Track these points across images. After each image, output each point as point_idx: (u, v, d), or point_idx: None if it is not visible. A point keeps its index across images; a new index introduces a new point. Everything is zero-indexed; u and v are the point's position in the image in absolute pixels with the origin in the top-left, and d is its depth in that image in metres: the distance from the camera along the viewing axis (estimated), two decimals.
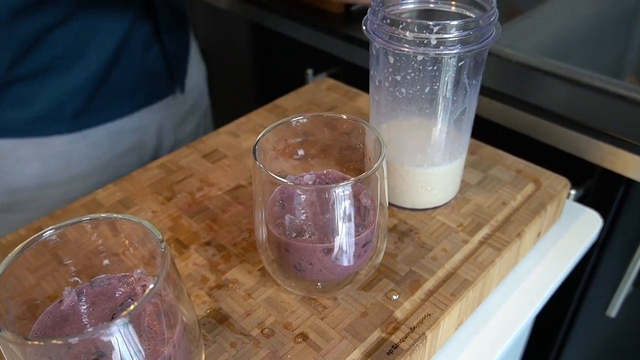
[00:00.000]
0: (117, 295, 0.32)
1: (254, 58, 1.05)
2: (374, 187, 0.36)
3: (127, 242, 0.33)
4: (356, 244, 0.37)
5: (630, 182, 0.59)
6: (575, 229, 0.52)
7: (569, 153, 0.62)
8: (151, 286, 0.27)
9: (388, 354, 0.36)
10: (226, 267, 0.43)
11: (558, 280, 0.48)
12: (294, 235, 0.36)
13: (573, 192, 0.61)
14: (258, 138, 0.37)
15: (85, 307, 0.31)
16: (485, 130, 0.65)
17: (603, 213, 0.55)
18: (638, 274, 0.61)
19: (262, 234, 0.39)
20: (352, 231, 0.36)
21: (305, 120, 0.41)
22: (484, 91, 0.67)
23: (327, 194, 0.35)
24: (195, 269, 0.43)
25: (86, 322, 0.31)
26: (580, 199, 0.64)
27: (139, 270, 0.33)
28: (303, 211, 0.37)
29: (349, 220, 0.36)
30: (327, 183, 0.40)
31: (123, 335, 0.26)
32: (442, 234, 0.45)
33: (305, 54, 0.91)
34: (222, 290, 0.41)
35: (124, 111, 0.66)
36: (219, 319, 0.39)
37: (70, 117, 0.61)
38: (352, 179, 0.35)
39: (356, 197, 0.37)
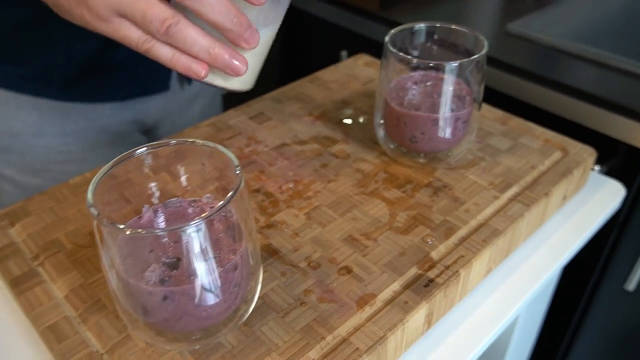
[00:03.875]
0: (189, 213, 0.36)
1: (283, 39, 1.09)
2: (473, 78, 0.47)
3: (204, 167, 0.37)
4: (458, 118, 0.48)
5: None
6: (600, 197, 0.55)
7: (595, 130, 0.64)
8: (226, 198, 0.31)
9: (425, 286, 0.40)
10: (274, 210, 0.47)
11: (583, 240, 0.51)
12: (412, 110, 0.48)
13: (597, 167, 0.64)
14: (390, 33, 0.49)
15: (161, 222, 0.35)
16: (515, 108, 0.68)
17: (626, 189, 0.58)
18: None
19: (379, 116, 0.51)
20: (455, 108, 0.47)
21: (423, 26, 0.51)
22: (515, 71, 0.70)
23: (439, 73, 0.47)
24: None
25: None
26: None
27: (207, 195, 0.37)
28: (418, 92, 0.49)
29: (453, 100, 0.47)
30: None
31: (198, 236, 0.30)
32: (474, 191, 0.49)
33: (340, 36, 0.95)
34: (271, 229, 0.45)
35: (115, 97, 0.66)
36: (270, 252, 0.43)
37: (58, 86, 0.61)
38: (459, 61, 0.45)
39: (457, 89, 0.47)
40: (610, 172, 0.67)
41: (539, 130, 0.57)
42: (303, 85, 0.65)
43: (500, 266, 0.47)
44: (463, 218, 0.46)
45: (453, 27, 0.49)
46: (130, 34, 0.39)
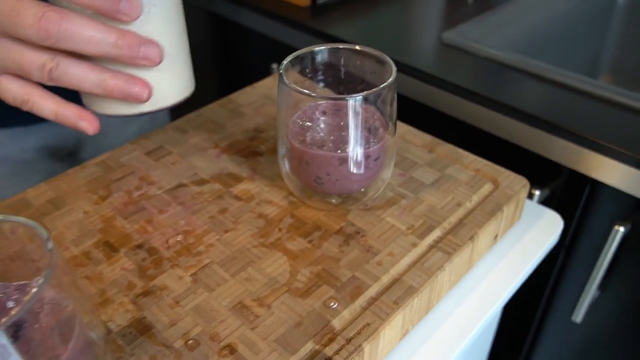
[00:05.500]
0: (9, 305, 0.29)
1: (213, 51, 1.01)
2: (384, 104, 0.40)
3: (26, 246, 0.30)
4: (369, 155, 0.41)
5: (595, 183, 0.57)
6: (535, 231, 0.50)
7: (536, 153, 0.59)
8: (33, 290, 0.24)
9: None
10: (156, 272, 0.40)
11: (515, 285, 0.45)
12: (314, 148, 0.41)
13: (538, 192, 0.59)
14: (284, 61, 0.41)
15: None
16: (449, 129, 0.62)
17: (569, 215, 0.53)
18: (603, 278, 0.59)
19: (284, 149, 0.43)
20: (365, 143, 0.41)
21: (324, 49, 0.44)
22: (451, 88, 0.65)
23: (343, 105, 0.40)
24: (122, 274, 0.40)
25: None
26: (545, 200, 0.62)
27: (38, 278, 0.30)
28: (322, 126, 0.42)
29: (362, 134, 0.40)
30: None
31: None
32: (390, 237, 0.43)
33: (270, 48, 0.88)
34: (148, 297, 0.38)
35: (15, 123, 0.59)
36: (141, 329, 0.36)
37: None
38: (365, 92, 0.38)
39: (367, 119, 0.41)
40: (552, 196, 0.62)
41: (469, 158, 0.51)
42: (213, 111, 0.59)
43: (419, 325, 0.41)
44: (374, 273, 0.40)
45: (358, 48, 0.43)
46: (7, 95, 0.37)
